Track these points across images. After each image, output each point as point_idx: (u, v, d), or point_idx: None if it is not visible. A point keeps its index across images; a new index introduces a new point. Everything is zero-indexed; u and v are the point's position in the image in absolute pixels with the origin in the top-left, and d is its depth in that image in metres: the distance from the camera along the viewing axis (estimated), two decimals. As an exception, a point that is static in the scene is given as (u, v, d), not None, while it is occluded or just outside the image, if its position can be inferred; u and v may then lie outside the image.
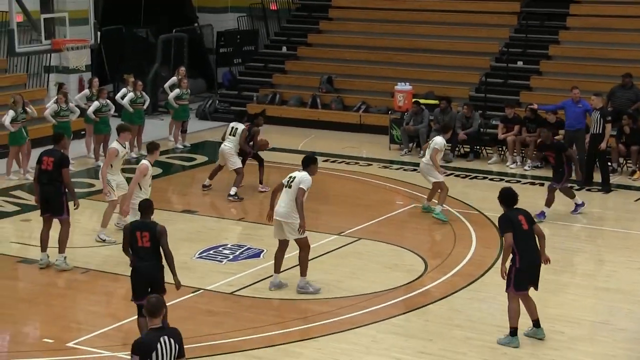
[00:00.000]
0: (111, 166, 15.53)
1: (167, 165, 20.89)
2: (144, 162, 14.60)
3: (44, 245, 14.30)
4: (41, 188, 14.24)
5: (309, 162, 13.29)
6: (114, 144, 15.64)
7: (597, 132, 18.91)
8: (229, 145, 18.25)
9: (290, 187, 13.11)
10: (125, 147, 15.79)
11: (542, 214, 16.61)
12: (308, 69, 26.50)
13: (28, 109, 19.65)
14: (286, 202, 13.11)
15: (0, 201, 18.08)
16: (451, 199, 17.64)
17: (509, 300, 11.60)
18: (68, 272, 14.16)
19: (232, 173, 18.34)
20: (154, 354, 8.22)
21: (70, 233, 14.46)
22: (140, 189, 14.53)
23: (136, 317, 11.31)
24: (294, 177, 13.15)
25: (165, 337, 8.31)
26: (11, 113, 19.28)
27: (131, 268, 11.22)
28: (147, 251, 11.05)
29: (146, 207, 11.35)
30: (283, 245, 13.38)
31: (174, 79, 22.92)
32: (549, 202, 16.80)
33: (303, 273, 13.35)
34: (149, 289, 10.95)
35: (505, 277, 11.48)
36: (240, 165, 18.26)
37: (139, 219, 11.40)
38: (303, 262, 13.31)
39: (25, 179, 19.36)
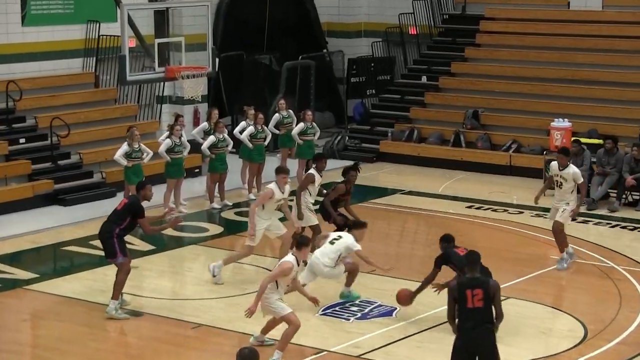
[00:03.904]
0: (262, 207, 15.50)
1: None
2: (289, 258, 12.73)
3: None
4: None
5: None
6: (271, 185, 15.65)
7: None
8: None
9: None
10: (283, 192, 15.58)
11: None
12: (451, 102, 26.47)
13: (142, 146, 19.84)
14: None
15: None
16: (616, 254, 17.40)
17: None
18: (176, 327, 14.27)
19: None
20: None
21: (182, 283, 14.56)
22: (277, 287, 12.67)
23: None
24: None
25: None
26: (125, 147, 19.62)
27: (456, 334, 10.65)
28: (479, 313, 10.38)
29: (474, 260, 10.70)
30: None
31: (276, 115, 22.81)
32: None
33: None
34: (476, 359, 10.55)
35: None
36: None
37: (467, 275, 10.65)
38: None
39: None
